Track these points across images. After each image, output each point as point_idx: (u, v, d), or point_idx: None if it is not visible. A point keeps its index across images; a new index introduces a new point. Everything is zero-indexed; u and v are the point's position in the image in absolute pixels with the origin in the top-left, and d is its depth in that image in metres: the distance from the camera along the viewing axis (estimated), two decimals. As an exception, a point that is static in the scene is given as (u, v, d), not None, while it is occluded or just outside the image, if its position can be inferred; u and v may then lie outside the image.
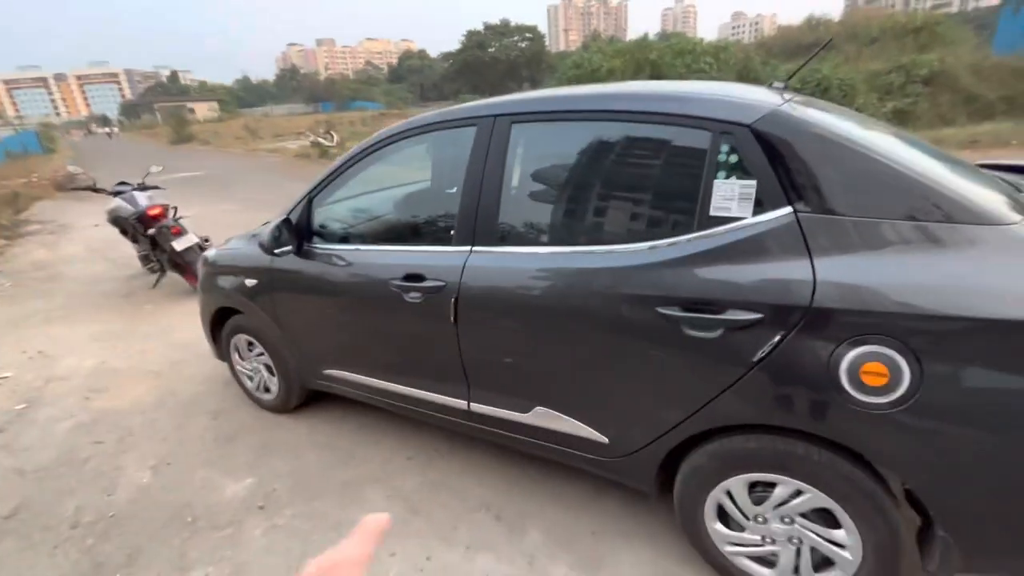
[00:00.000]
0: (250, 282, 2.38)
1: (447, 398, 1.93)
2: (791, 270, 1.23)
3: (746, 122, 1.31)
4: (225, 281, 2.55)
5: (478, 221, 1.70)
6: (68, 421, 2.81)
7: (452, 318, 1.74)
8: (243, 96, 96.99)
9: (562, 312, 1.55)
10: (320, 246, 2.15)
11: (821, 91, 12.22)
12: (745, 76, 14.69)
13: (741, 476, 1.41)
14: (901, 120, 12.04)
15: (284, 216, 2.14)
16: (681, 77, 14.75)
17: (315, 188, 2.15)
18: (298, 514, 2.03)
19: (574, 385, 1.62)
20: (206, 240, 4.73)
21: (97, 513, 2.12)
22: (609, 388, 1.55)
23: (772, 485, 1.39)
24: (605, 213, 1.57)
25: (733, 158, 1.32)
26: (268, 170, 15.15)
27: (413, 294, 1.81)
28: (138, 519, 2.07)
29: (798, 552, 1.42)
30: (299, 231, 2.14)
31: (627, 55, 18.00)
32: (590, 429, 1.63)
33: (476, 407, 1.86)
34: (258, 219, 3.19)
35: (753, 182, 1.29)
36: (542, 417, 1.72)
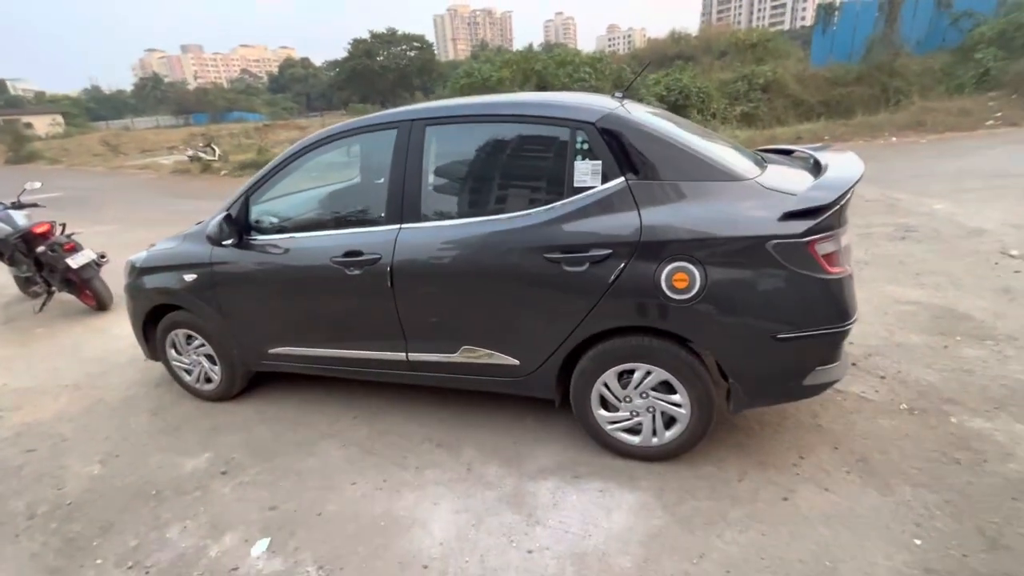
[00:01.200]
0: (189, 277, 2.58)
1: (388, 353, 2.34)
2: (627, 219, 1.83)
3: (591, 120, 1.91)
4: (160, 280, 2.71)
5: (404, 203, 2.15)
6: (-15, 439, 2.76)
7: (389, 283, 2.16)
8: (94, 108, 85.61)
9: (476, 267, 2.05)
10: (260, 238, 2.44)
11: (683, 97, 13.96)
12: (619, 83, 16.31)
13: (612, 369, 2.01)
14: (748, 121, 14.12)
15: (225, 212, 2.41)
16: (564, 86, 15.97)
17: (251, 187, 2.45)
18: (261, 471, 2.31)
19: (489, 323, 2.12)
20: (103, 256, 4.58)
21: (52, 504, 2.22)
22: (515, 321, 2.07)
23: (632, 372, 2.00)
24: (501, 190, 2.10)
25: (586, 146, 1.91)
26: (141, 188, 13.99)
27: (353, 268, 2.20)
28: (100, 502, 2.22)
29: (653, 418, 2.05)
30: (239, 225, 2.42)
31: (514, 66, 19.07)
32: (505, 356, 2.14)
33: (413, 356, 2.30)
34: (141, 239, 3.29)
35: (599, 162, 1.89)
36: (467, 353, 2.20)
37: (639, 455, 2.12)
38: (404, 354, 2.31)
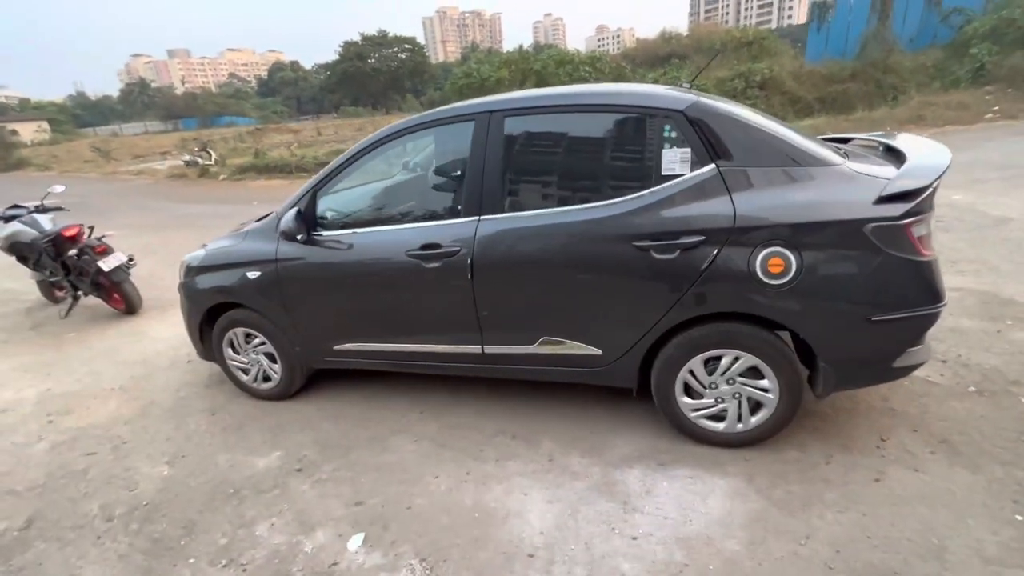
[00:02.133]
0: (253, 274, 2.56)
1: (462, 346, 2.33)
2: (719, 206, 1.85)
3: (680, 108, 1.92)
4: (219, 279, 2.69)
5: (484, 195, 2.14)
6: (41, 443, 2.72)
7: (469, 276, 2.16)
8: (81, 114, 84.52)
9: (560, 257, 2.05)
10: (329, 232, 2.43)
11: (684, 95, 14.03)
12: (620, 81, 16.42)
13: (698, 356, 2.02)
14: (747, 118, 14.20)
15: (295, 207, 2.39)
16: (563, 84, 16.02)
17: (319, 182, 2.43)
18: (338, 467, 2.30)
19: (572, 314, 2.12)
20: (131, 259, 4.53)
21: (128, 506, 2.20)
22: (599, 310, 2.08)
23: (719, 358, 2.01)
24: (585, 180, 2.10)
25: (674, 134, 1.92)
26: (141, 193, 13.85)
27: (431, 261, 2.20)
28: (177, 501, 2.19)
29: (739, 404, 2.06)
30: (306, 221, 2.41)
31: (513, 65, 19.13)
32: (586, 346, 2.15)
33: (489, 348, 2.29)
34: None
35: (688, 150, 1.90)
36: (546, 344, 2.20)
37: (722, 442, 2.13)
38: (479, 347, 2.31)
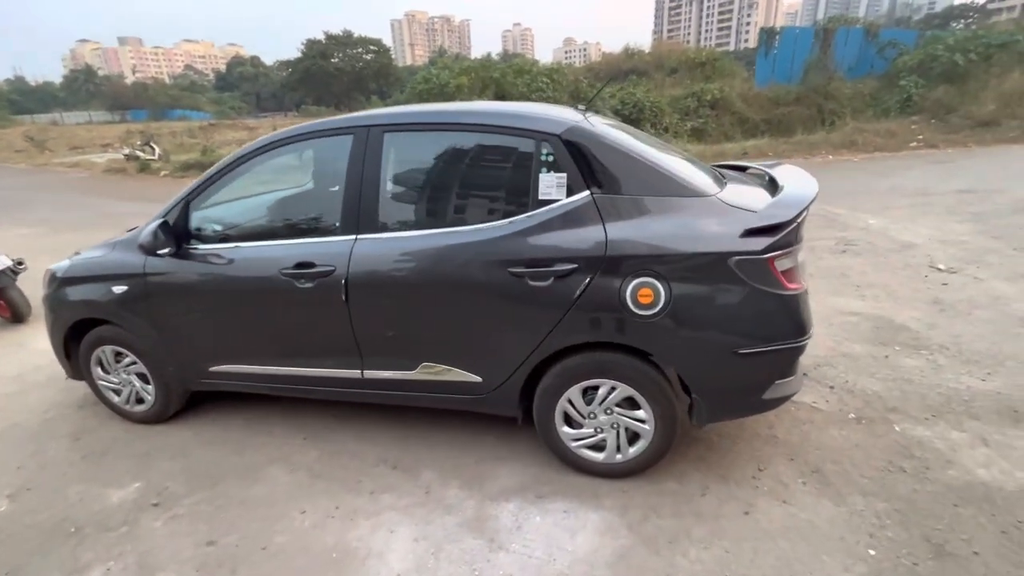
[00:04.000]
0: (119, 289, 2.36)
1: (341, 370, 2.21)
2: (593, 234, 1.81)
3: (557, 132, 1.88)
4: (85, 292, 2.47)
5: (360, 213, 2.04)
6: None
7: (343, 297, 2.04)
8: (18, 100, 79.12)
9: (437, 281, 1.96)
10: (202, 247, 2.26)
11: (637, 111, 14.37)
12: (577, 95, 16.63)
13: (576, 385, 1.97)
14: (697, 136, 14.70)
15: (161, 219, 2.22)
16: (522, 95, 16.11)
17: (192, 192, 2.26)
18: (200, 500, 2.12)
19: (451, 339, 2.04)
20: (20, 263, 4.16)
21: (-52, 548, 1.95)
22: (478, 337, 2.00)
23: (596, 388, 1.97)
24: (463, 201, 2.03)
25: (551, 158, 1.88)
26: (71, 187, 12.98)
27: (304, 281, 2.07)
28: (7, 543, 1.96)
29: (617, 434, 2.02)
30: (177, 233, 2.24)
31: (472, 73, 19.10)
32: (466, 372, 2.06)
33: (369, 373, 2.18)
34: (69, 243, 3.02)
35: (564, 175, 1.86)
36: (427, 371, 2.10)
37: (603, 472, 2.08)
38: (359, 371, 2.19)
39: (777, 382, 1.88)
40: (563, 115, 1.99)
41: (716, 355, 1.81)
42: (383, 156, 2.03)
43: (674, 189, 1.82)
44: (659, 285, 1.76)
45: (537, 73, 18.11)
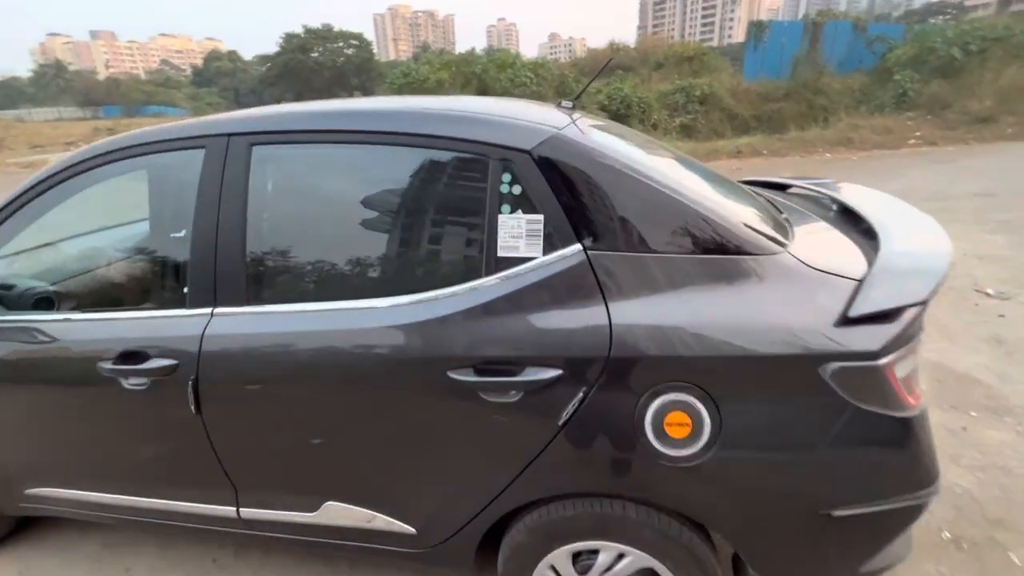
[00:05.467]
0: None
1: (207, 506, 1.46)
2: (586, 316, 1.08)
3: (526, 147, 1.14)
4: None
5: (218, 274, 1.28)
6: None
7: (193, 407, 1.28)
8: (-19, 96, 76.08)
9: (338, 385, 1.22)
10: (-5, 318, 1.48)
11: (625, 107, 13.71)
12: (563, 91, 15.87)
13: (564, 547, 1.24)
14: (687, 133, 14.10)
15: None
16: (505, 91, 15.35)
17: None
18: None
19: (366, 471, 1.30)
20: None
21: None
22: (408, 471, 1.26)
23: (595, 552, 1.24)
24: (378, 258, 1.28)
25: (516, 189, 1.14)
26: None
27: (134, 379, 1.31)
28: None
29: (628, 615, 1.30)
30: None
31: (454, 67, 18.22)
32: (393, 520, 1.33)
33: (248, 512, 1.43)
34: None
35: (540, 217, 1.12)
36: (335, 513, 1.36)
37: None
38: (234, 508, 1.44)
39: (882, 550, 1.17)
40: (541, 118, 1.25)
41: (797, 520, 1.10)
42: (250, 183, 1.27)
43: (720, 240, 1.10)
44: (700, 407, 1.04)
45: (521, 67, 17.34)
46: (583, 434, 1.10)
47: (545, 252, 1.12)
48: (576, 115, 1.39)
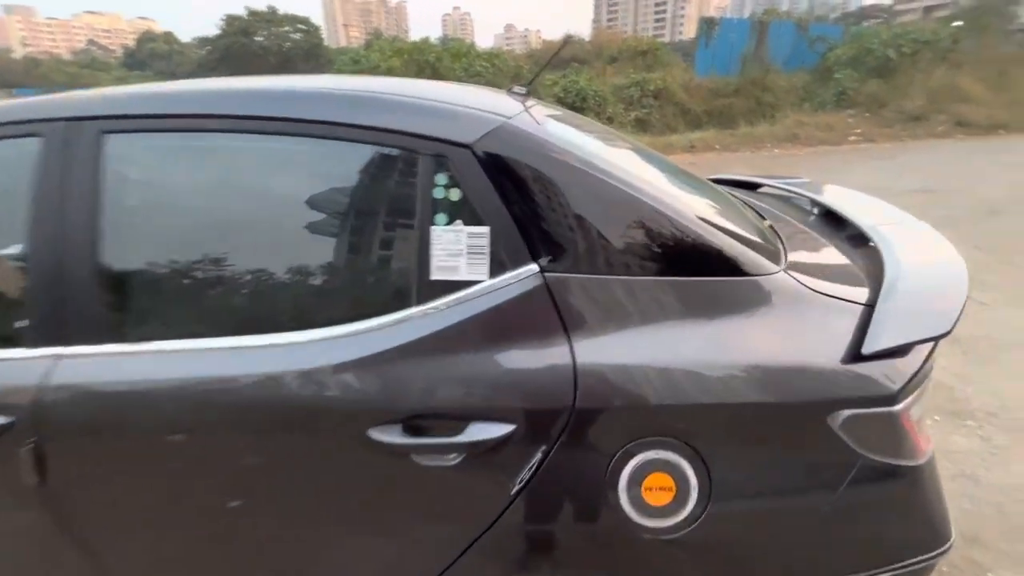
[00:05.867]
0: None
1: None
2: (544, 357, 0.85)
3: (466, 140, 0.89)
4: None
5: (66, 303, 0.97)
6: None
7: (36, 475, 0.97)
8: None
9: (223, 450, 0.94)
10: None
11: (580, 100, 13.62)
12: (519, 82, 15.59)
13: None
14: (642, 127, 14.19)
15: None
16: (459, 81, 14.96)
17: None
18: None
19: (268, 557, 1.03)
20: None
21: None
22: (317, 555, 1.00)
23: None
24: (274, 283, 1.00)
25: (454, 193, 0.89)
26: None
27: (-51, 443, 0.98)
28: None
29: None
30: None
31: (406, 55, 17.60)
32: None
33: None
34: None
35: (485, 229, 0.88)
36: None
37: None
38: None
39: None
40: (486, 104, 1.01)
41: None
42: (104, 183, 0.96)
43: (709, 258, 0.89)
44: (685, 466, 0.84)
45: (476, 57, 16.99)
46: (542, 504, 0.87)
47: (492, 274, 0.88)
48: (530, 102, 1.16)
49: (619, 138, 1.40)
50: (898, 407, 0.82)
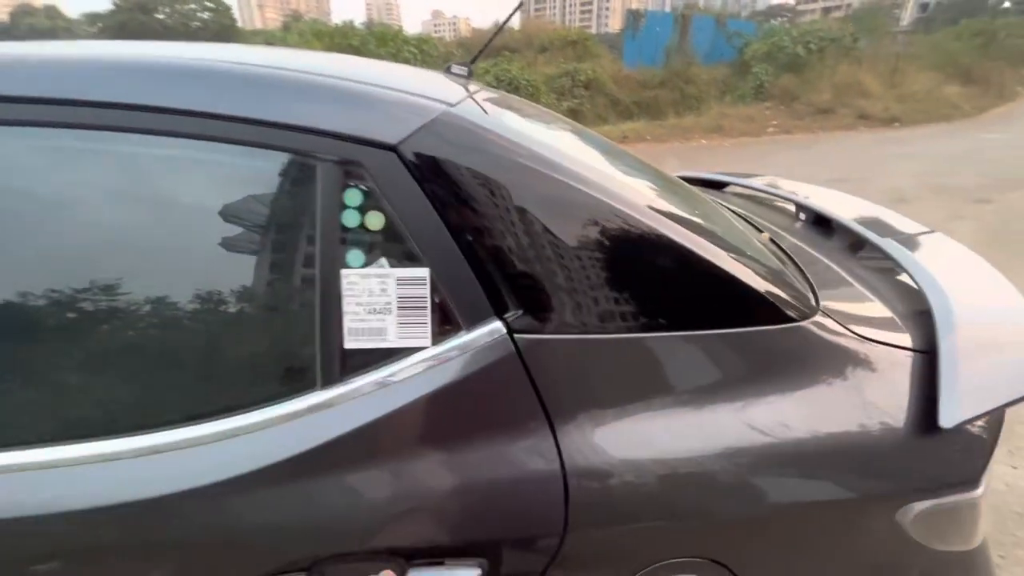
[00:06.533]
0: None
1: None
2: (518, 459, 0.58)
3: (389, 140, 0.59)
4: None
5: None
6: None
7: None
8: None
9: None
10: None
11: (513, 89, 13.39)
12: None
13: None
14: (574, 117, 14.15)
15: None
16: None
17: None
18: None
19: None
20: None
21: None
22: None
23: None
24: (111, 364, 0.65)
25: (374, 219, 0.59)
26: None
27: None
28: None
29: None
30: None
31: (327, 39, 16.53)
32: None
33: None
34: None
35: (424, 271, 0.59)
36: None
37: None
38: None
39: None
40: (418, 88, 0.70)
41: None
42: None
43: (737, 304, 0.65)
44: (714, 591, 0.60)
45: (403, 42, 16.24)
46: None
47: (436, 339, 0.59)
48: (473, 87, 0.87)
49: (580, 130, 1.15)
50: (980, 490, 0.63)
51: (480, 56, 1.12)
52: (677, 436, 0.61)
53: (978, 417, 0.62)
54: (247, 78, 0.63)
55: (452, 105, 0.66)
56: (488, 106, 0.75)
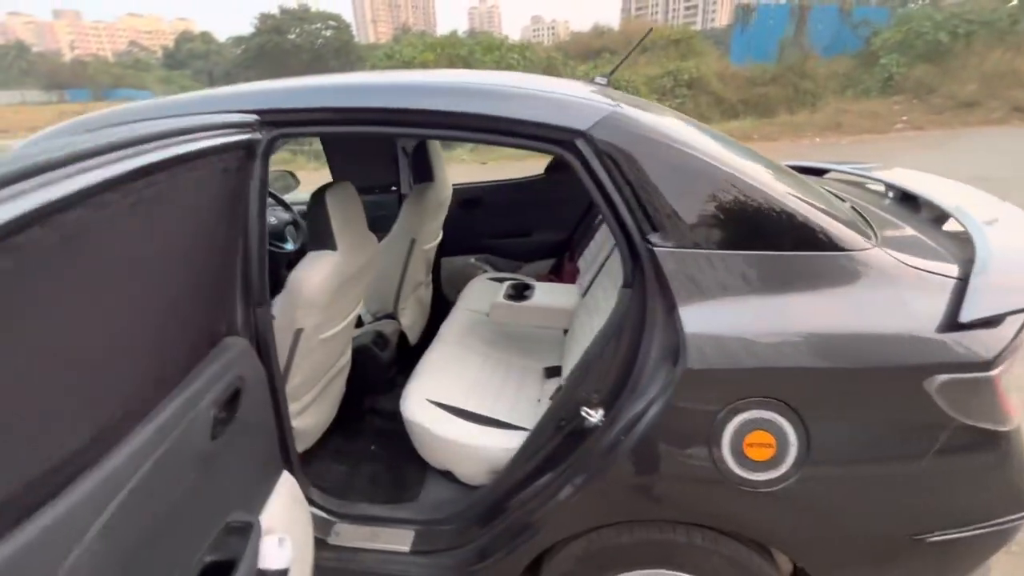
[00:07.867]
0: None
1: None
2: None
3: (582, 128, 0.98)
4: None
5: None
6: None
7: None
8: (-64, 78, 72.28)
9: None
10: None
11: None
12: (551, 73, 15.60)
13: (617, 576, 1.12)
14: (676, 118, 13.97)
15: None
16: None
17: None
18: None
19: None
20: None
21: None
22: None
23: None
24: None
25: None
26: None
27: None
28: None
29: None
30: None
31: (439, 49, 17.78)
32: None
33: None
34: None
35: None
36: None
37: None
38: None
39: None
40: (587, 94, 1.09)
41: (884, 545, 0.99)
42: None
43: (808, 234, 0.96)
44: (785, 425, 0.91)
45: (507, 50, 17.02)
46: (650, 455, 0.96)
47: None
48: (615, 93, 1.24)
49: (700, 125, 1.47)
50: (993, 372, 0.87)
51: (616, 69, 1.48)
52: (761, 315, 0.92)
53: (987, 319, 0.86)
54: (503, 94, 1.06)
55: (616, 104, 1.03)
56: (636, 104, 1.12)
